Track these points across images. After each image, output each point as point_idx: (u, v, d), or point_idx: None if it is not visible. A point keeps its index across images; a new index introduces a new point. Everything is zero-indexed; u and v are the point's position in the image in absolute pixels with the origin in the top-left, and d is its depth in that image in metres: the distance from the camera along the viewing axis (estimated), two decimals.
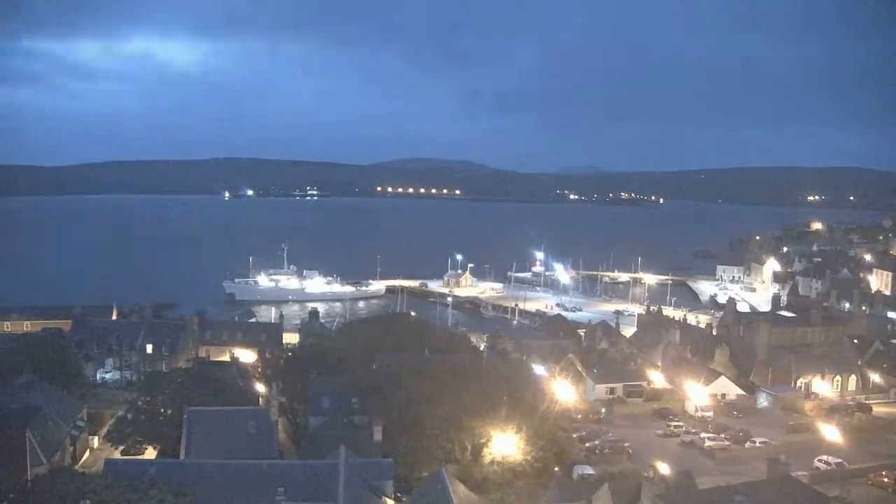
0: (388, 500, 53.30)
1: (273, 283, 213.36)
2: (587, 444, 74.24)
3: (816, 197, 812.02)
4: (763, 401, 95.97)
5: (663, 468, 61.41)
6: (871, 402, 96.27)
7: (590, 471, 64.89)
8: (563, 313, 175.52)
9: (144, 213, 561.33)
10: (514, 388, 71.55)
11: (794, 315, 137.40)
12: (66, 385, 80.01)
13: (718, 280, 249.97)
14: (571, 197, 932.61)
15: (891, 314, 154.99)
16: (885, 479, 65.74)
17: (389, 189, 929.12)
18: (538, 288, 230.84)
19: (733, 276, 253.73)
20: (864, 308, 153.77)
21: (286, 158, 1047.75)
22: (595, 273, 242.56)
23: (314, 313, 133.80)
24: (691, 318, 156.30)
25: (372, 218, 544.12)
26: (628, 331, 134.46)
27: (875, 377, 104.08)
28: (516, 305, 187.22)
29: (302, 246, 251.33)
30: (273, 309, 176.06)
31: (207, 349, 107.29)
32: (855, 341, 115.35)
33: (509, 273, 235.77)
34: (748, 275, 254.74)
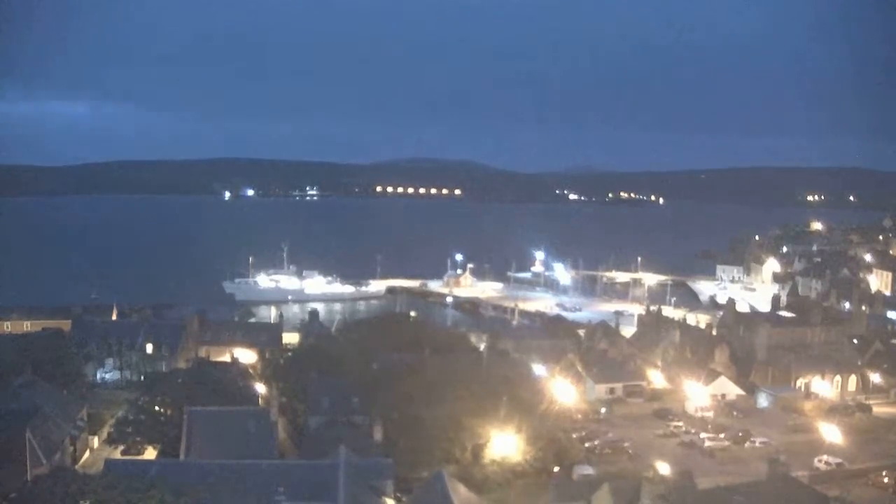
0: (388, 500, 53.35)
1: (273, 283, 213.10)
2: (587, 444, 74.27)
3: (816, 197, 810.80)
4: (763, 401, 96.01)
5: (663, 468, 61.57)
6: (871, 402, 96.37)
7: (590, 471, 64.90)
8: (563, 313, 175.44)
9: (144, 213, 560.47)
10: (513, 388, 71.72)
11: (794, 315, 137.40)
12: (66, 385, 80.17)
13: (718, 280, 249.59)
14: (571, 197, 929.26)
15: (891, 314, 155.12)
16: (885, 480, 65.80)
17: (389, 189, 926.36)
18: (538, 288, 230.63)
19: (733, 277, 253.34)
20: (864, 308, 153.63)
21: (286, 158, 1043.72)
22: (595, 273, 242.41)
23: (314, 313, 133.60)
24: (691, 318, 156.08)
25: (372, 218, 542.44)
26: (628, 331, 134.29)
27: (875, 377, 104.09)
28: (516, 305, 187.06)
29: (302, 246, 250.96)
30: (273, 309, 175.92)
31: (207, 349, 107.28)
32: (855, 341, 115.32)
33: (509, 273, 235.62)
34: (748, 275, 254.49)
